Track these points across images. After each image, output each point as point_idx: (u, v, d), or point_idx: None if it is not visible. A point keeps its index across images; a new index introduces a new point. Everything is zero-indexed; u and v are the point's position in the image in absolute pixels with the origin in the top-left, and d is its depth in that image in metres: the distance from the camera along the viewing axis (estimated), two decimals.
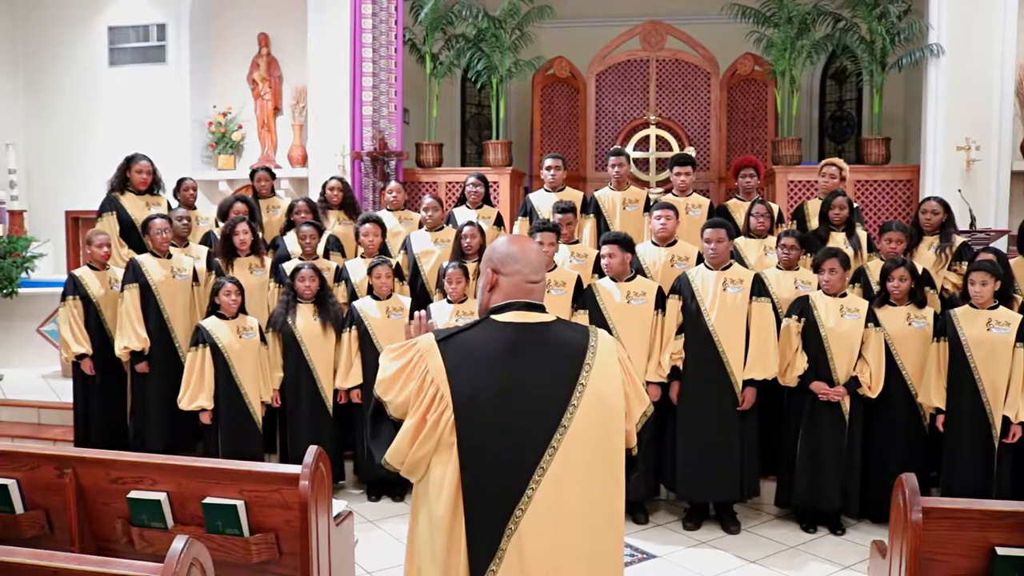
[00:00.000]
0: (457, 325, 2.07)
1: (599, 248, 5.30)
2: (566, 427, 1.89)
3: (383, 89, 7.73)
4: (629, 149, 8.09)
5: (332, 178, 6.39)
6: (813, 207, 5.66)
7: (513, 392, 1.90)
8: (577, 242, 5.46)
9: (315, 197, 6.55)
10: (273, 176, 6.60)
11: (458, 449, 1.87)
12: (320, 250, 5.59)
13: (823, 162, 5.94)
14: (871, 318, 4.55)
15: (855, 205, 5.54)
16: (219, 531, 2.89)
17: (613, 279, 4.67)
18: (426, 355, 1.93)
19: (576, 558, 1.90)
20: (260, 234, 5.68)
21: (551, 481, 1.87)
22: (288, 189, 8.44)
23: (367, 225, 5.45)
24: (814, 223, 5.51)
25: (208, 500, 2.90)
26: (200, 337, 4.78)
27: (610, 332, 4.32)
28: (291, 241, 5.77)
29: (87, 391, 5.20)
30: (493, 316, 2.00)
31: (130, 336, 5.03)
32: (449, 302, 4.91)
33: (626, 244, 4.66)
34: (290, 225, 5.90)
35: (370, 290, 5.13)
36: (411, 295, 5.37)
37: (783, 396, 4.67)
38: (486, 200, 6.15)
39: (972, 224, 6.28)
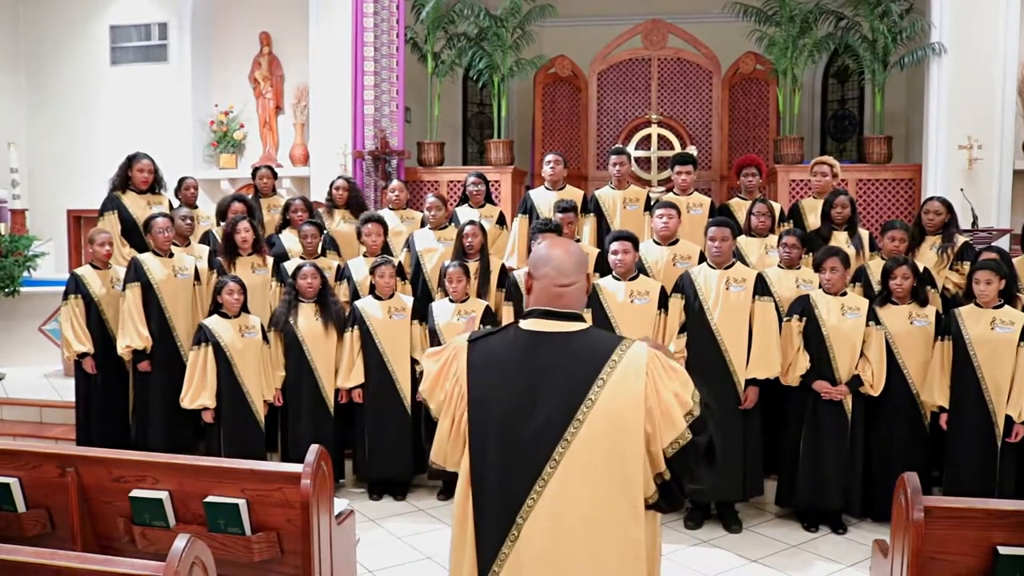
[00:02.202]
0: (488, 328, 2.15)
1: (600, 247, 5.31)
2: (569, 441, 1.87)
3: (384, 88, 7.73)
4: (631, 148, 8.09)
5: (339, 177, 6.39)
6: (808, 205, 5.65)
7: (519, 400, 1.91)
8: (578, 241, 5.46)
9: (321, 197, 6.54)
10: (275, 175, 6.60)
11: (468, 448, 1.94)
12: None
13: (813, 161, 5.92)
14: (872, 316, 4.54)
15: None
16: (221, 530, 2.89)
17: (617, 278, 4.67)
18: (458, 354, 2.01)
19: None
20: (261, 233, 5.68)
21: (552, 494, 1.86)
22: (290, 188, 8.44)
23: (369, 225, 5.44)
24: (809, 221, 5.51)
25: (210, 499, 2.90)
26: (202, 336, 4.78)
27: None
28: (287, 239, 5.78)
29: (89, 390, 5.20)
30: (520, 321, 2.03)
31: (132, 335, 5.03)
32: (451, 301, 4.93)
33: (636, 242, 4.70)
34: (285, 223, 5.91)
35: (372, 289, 5.13)
36: (413, 293, 5.38)
37: (785, 395, 4.67)
38: (488, 199, 6.15)
39: (974, 223, 6.26)
